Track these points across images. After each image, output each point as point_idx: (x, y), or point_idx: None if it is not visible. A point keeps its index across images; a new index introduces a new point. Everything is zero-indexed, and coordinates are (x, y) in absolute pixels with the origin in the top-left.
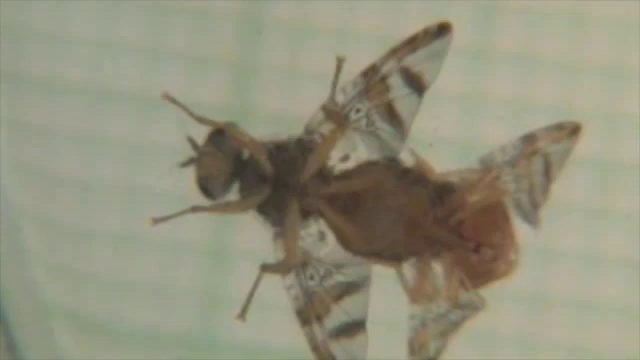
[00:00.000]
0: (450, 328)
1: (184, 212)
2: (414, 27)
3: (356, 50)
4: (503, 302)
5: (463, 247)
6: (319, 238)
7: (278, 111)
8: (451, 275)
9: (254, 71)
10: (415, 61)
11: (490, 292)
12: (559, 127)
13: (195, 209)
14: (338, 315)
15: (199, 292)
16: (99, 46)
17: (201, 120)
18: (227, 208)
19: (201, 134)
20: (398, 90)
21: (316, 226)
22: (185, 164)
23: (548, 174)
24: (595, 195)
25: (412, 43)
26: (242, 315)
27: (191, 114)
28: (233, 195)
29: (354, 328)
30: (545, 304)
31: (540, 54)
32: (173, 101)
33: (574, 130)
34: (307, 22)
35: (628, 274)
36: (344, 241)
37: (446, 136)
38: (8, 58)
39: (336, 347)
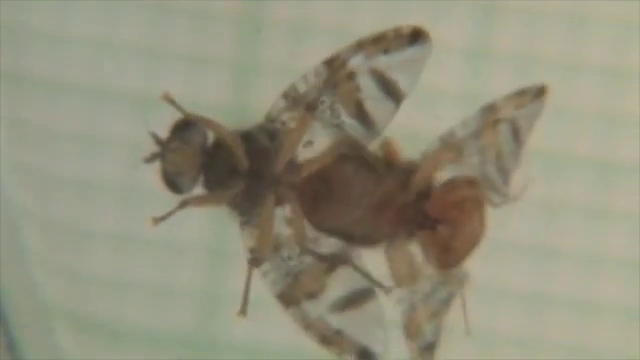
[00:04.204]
0: (441, 308)
1: (178, 208)
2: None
3: None
4: (503, 302)
5: (423, 226)
6: (285, 221)
7: None
8: (427, 254)
9: (254, 71)
10: (388, 66)
11: (490, 292)
12: (520, 93)
13: (185, 203)
14: (336, 288)
15: (199, 292)
16: (99, 46)
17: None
18: (205, 200)
19: None
20: (370, 92)
21: (282, 211)
22: (149, 160)
23: (517, 138)
24: (595, 195)
25: (381, 42)
26: (243, 311)
27: (189, 115)
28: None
29: (360, 298)
30: (545, 304)
31: (540, 54)
32: (172, 103)
33: (539, 92)
34: (307, 22)
35: (628, 274)
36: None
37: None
38: (8, 58)
39: (345, 319)
